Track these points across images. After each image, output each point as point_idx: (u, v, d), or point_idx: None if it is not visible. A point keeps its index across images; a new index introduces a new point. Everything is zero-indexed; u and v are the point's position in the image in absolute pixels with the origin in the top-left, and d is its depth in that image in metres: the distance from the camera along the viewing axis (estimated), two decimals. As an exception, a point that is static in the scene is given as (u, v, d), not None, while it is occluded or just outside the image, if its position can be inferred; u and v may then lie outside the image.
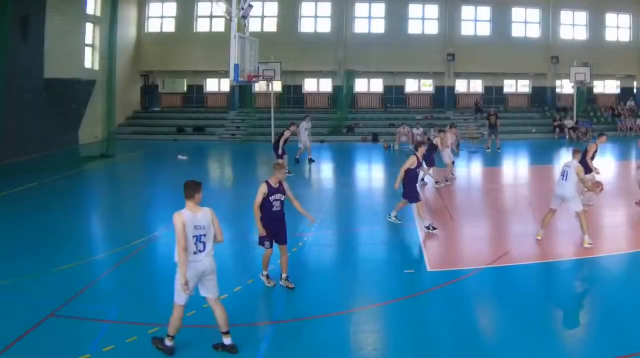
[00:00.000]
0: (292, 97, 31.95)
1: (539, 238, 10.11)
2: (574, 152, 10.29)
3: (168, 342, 6.07)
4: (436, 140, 15.85)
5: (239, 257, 10.02)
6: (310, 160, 20.34)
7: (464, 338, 6.52)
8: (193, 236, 5.83)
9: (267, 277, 8.17)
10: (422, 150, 11.20)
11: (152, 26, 31.21)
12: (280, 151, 17.01)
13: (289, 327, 6.89)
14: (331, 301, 7.66)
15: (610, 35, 31.70)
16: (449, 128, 18.29)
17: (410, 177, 10.98)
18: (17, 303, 7.43)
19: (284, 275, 8.12)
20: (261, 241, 7.99)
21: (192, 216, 5.90)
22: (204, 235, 5.91)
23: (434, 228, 10.84)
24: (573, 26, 31.62)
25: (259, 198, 7.86)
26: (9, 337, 6.33)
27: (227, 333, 6.14)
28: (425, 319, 7.09)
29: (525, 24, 31.40)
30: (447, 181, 16.06)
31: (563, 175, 9.86)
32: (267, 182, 7.98)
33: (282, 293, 7.97)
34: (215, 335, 6.67)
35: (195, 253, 5.85)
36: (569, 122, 28.25)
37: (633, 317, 6.78)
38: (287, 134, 17.33)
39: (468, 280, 8.43)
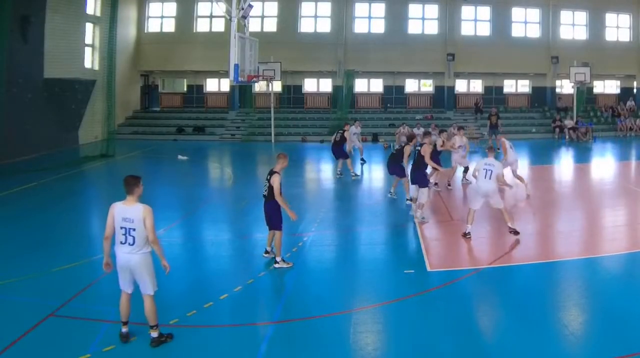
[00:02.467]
0: (292, 97, 31.96)
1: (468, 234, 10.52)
2: (490, 149, 11.10)
3: (123, 328, 6.34)
4: (438, 142, 15.69)
5: (239, 257, 10.02)
6: (362, 160, 20.48)
7: (464, 338, 6.52)
8: (121, 227, 6.10)
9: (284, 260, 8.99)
10: (413, 141, 13.00)
11: (152, 26, 31.20)
12: (344, 153, 17.40)
13: (289, 327, 6.89)
14: (331, 301, 7.67)
15: (610, 35, 31.69)
16: (457, 130, 18.01)
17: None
18: (17, 303, 7.43)
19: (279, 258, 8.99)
20: (280, 225, 8.82)
21: (123, 209, 6.14)
22: (133, 229, 6.07)
23: (411, 201, 12.57)
24: (573, 26, 31.61)
25: (279, 186, 8.67)
26: (9, 337, 6.34)
27: (153, 327, 6.31)
28: (425, 319, 7.09)
29: (525, 24, 31.39)
30: (448, 185, 15.91)
31: (486, 175, 10.39)
32: (278, 172, 8.83)
33: (282, 293, 7.98)
34: (218, 335, 6.69)
35: (122, 243, 6.12)
36: (569, 122, 28.24)
37: (633, 317, 6.78)
38: (347, 134, 17.56)
39: (468, 280, 8.43)
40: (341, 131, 17.68)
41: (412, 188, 12.20)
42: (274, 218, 8.80)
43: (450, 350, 6.28)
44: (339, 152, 17.44)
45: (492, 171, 10.28)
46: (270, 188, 8.71)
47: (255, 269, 8.85)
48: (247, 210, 13.27)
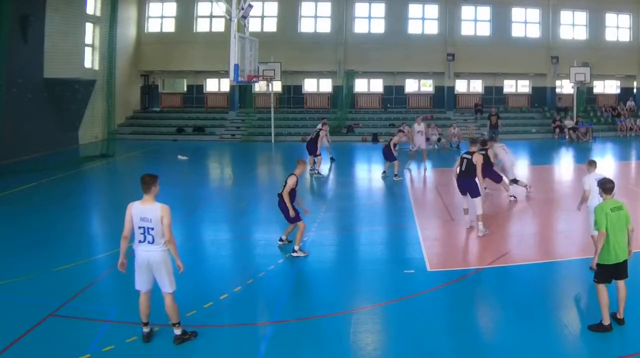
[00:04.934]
0: (292, 97, 31.95)
1: None
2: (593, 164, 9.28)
3: (144, 329, 6.36)
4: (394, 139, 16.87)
5: (239, 257, 10.02)
6: (332, 159, 20.87)
7: (464, 338, 6.52)
8: (139, 227, 6.12)
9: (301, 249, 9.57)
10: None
11: (152, 26, 31.18)
12: (318, 151, 17.95)
13: (289, 327, 6.89)
14: (331, 301, 7.67)
15: (610, 35, 31.67)
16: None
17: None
18: (17, 303, 7.43)
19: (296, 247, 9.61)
20: (297, 218, 9.44)
21: (141, 208, 6.14)
22: (152, 228, 6.08)
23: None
24: (573, 26, 31.59)
25: (290, 188, 9.39)
26: (9, 337, 6.33)
27: (175, 324, 6.32)
28: (426, 319, 7.08)
29: (525, 24, 31.36)
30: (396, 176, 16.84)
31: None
32: (295, 175, 9.54)
33: (282, 293, 7.98)
34: (218, 335, 6.69)
35: (141, 242, 6.14)
36: (569, 123, 28.24)
37: (633, 317, 6.77)
38: (322, 133, 18.27)
39: (468, 280, 8.43)
40: (317, 130, 18.70)
41: (465, 200, 11.10)
42: (287, 212, 9.58)
43: (450, 350, 6.28)
44: (312, 148, 18.15)
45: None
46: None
47: (255, 269, 8.85)
48: (247, 210, 13.28)
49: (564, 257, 9.45)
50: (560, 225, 11.73)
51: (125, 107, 29.69)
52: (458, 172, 10.97)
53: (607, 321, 6.57)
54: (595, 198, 8.39)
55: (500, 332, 6.78)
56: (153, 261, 6.13)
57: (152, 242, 6.10)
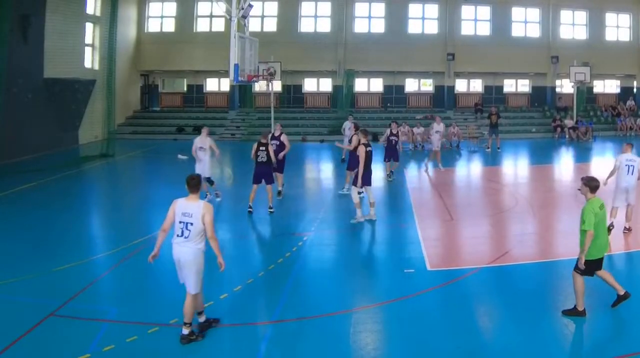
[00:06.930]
0: (292, 97, 31.95)
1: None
2: (629, 146, 10.59)
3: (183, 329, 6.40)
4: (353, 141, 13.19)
5: (239, 257, 10.01)
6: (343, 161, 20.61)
7: (464, 338, 6.51)
8: (180, 221, 6.29)
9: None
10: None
11: (152, 26, 31.20)
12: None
13: (289, 327, 6.89)
14: (331, 301, 7.67)
15: (610, 35, 31.69)
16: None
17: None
18: (17, 303, 7.43)
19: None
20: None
21: (185, 204, 6.35)
22: (191, 223, 6.23)
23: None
24: (573, 26, 31.61)
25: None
26: (9, 337, 6.34)
27: (186, 324, 6.36)
28: (426, 319, 7.08)
29: (525, 23, 31.39)
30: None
31: (629, 171, 10.27)
32: (269, 143, 12.46)
33: (282, 293, 7.98)
34: (218, 335, 6.69)
35: (178, 236, 6.30)
36: (569, 122, 28.24)
37: (633, 316, 6.78)
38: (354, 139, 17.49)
39: (468, 280, 8.43)
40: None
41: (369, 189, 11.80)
42: (272, 175, 12.37)
43: (450, 350, 6.28)
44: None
45: (634, 166, 10.20)
46: (269, 155, 11.97)
47: (255, 269, 8.85)
48: (246, 210, 13.25)
49: (564, 256, 9.43)
50: (560, 224, 11.73)
51: (125, 107, 29.69)
52: (365, 166, 11.39)
53: (581, 307, 6.83)
54: (622, 176, 10.17)
55: (500, 331, 6.78)
56: (184, 259, 6.25)
57: (187, 238, 6.22)
